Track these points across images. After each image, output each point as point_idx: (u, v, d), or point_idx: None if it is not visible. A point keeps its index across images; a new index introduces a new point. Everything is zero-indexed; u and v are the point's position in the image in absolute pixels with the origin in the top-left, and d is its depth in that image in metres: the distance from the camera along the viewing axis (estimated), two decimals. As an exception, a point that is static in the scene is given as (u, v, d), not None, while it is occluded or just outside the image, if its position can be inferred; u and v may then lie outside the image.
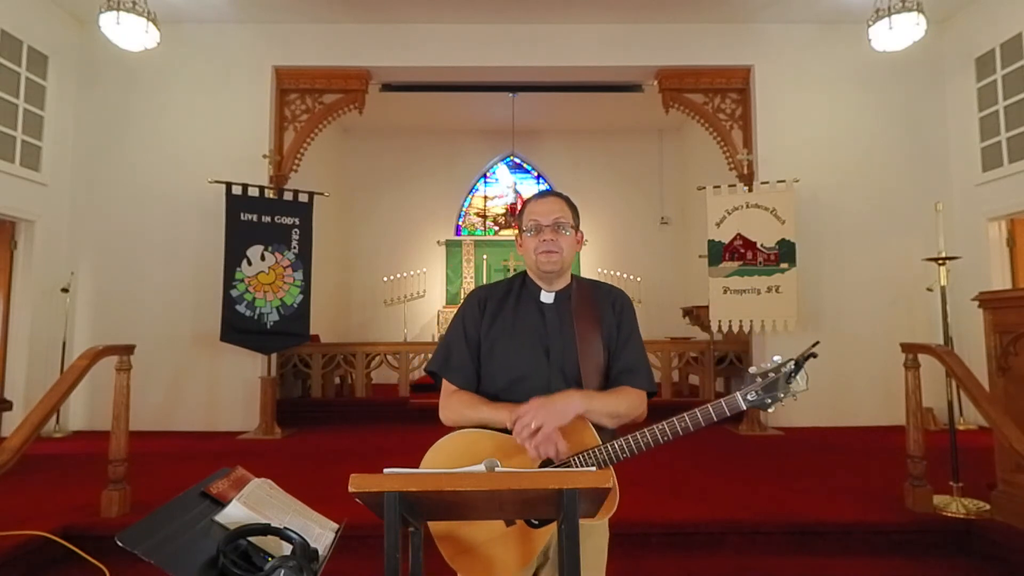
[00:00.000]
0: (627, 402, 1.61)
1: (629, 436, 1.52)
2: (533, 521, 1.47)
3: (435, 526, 1.46)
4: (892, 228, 6.09)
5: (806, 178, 5.91)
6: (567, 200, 1.70)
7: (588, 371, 1.60)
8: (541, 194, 1.73)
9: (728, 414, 1.51)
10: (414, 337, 9.33)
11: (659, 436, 1.51)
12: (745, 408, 1.52)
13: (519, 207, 1.76)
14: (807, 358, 1.50)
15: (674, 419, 1.51)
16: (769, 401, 1.51)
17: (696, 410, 1.51)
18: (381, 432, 5.52)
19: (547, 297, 1.70)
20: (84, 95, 6.18)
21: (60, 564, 2.76)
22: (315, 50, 6.27)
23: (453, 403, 1.63)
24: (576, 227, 1.70)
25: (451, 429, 1.59)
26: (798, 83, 6.25)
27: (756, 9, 6.06)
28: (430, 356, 2.11)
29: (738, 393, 1.52)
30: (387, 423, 5.90)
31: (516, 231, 1.76)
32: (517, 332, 1.66)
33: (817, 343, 1.53)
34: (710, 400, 1.54)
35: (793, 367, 1.50)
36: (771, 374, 1.51)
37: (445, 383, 1.69)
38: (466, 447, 1.53)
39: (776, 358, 1.53)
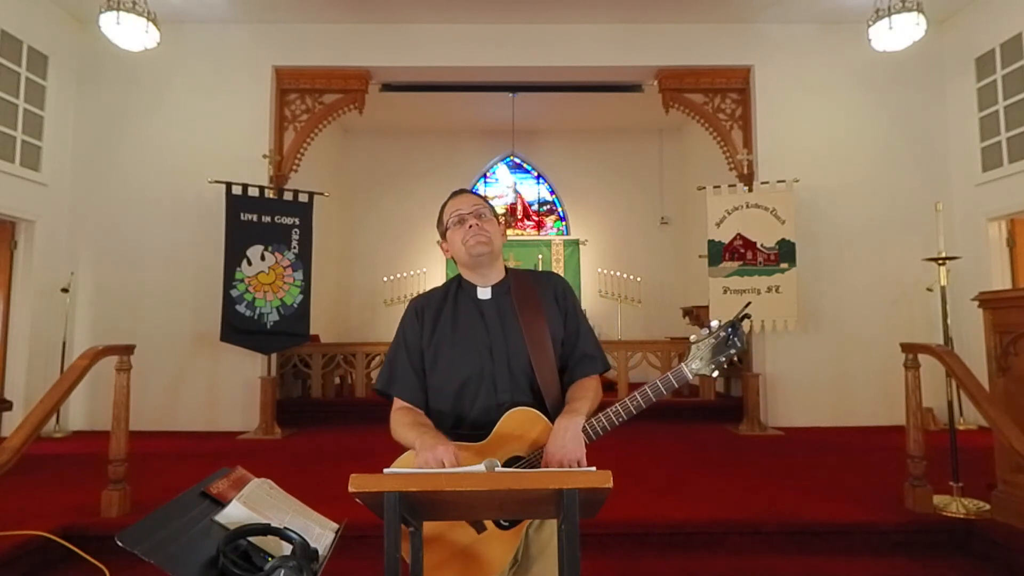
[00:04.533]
0: (596, 396, 1.65)
1: (586, 424, 1.53)
2: (503, 523, 1.48)
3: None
4: (892, 228, 6.09)
5: (806, 178, 5.91)
6: (481, 196, 1.77)
7: (540, 364, 1.61)
8: (454, 193, 1.77)
9: (676, 385, 1.57)
10: (414, 337, 9.29)
11: (614, 419, 1.55)
12: (691, 377, 1.59)
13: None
14: (741, 319, 1.60)
15: (626, 399, 1.55)
16: (713, 367, 1.57)
17: (646, 386, 1.55)
18: (381, 432, 5.47)
19: (484, 293, 1.70)
20: (84, 95, 6.18)
21: (60, 564, 2.76)
22: (315, 50, 6.27)
23: (395, 421, 1.64)
24: (497, 219, 1.74)
25: None
26: (798, 83, 6.25)
27: (756, 9, 6.06)
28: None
29: (683, 364, 1.59)
30: (387, 423, 5.87)
31: (439, 237, 1.78)
32: (458, 336, 1.65)
33: (749, 303, 1.66)
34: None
35: (730, 330, 1.57)
36: (711, 339, 1.58)
37: (395, 398, 1.70)
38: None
39: (713, 323, 1.60)
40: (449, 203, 1.74)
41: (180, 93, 6.21)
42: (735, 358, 1.60)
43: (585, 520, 1.37)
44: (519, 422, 1.53)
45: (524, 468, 1.51)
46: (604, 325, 8.87)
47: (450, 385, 1.63)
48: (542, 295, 1.70)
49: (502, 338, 1.63)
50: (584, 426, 1.51)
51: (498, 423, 1.53)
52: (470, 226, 1.65)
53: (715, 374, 1.59)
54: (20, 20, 5.51)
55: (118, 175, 6.13)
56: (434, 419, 1.64)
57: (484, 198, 1.77)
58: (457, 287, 1.74)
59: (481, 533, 1.47)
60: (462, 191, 1.77)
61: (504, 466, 1.50)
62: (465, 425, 1.61)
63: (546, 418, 1.54)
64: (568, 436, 1.47)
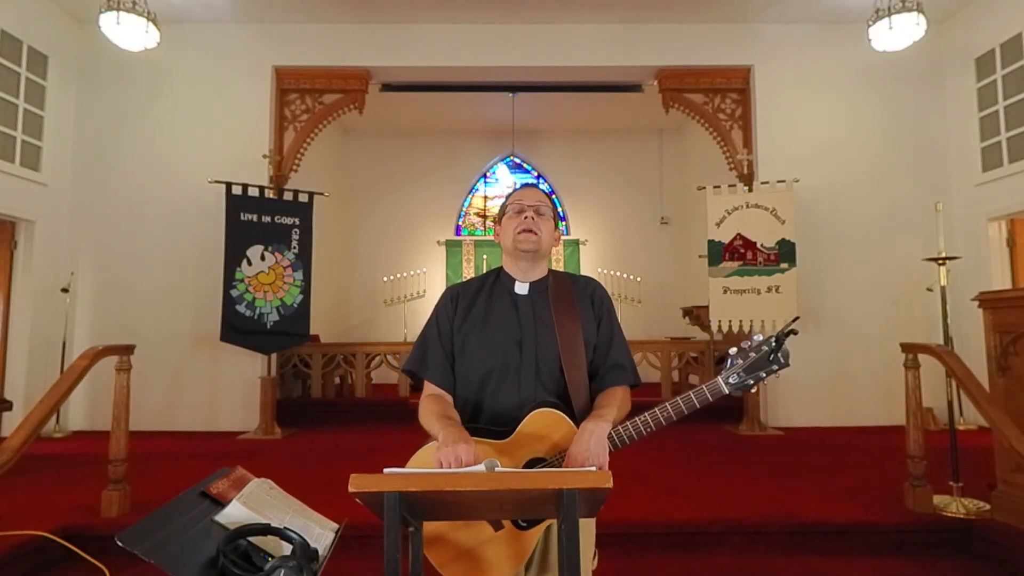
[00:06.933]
0: (624, 406, 1.61)
1: (612, 432, 1.50)
2: (521, 523, 1.46)
3: (424, 530, 1.46)
4: (892, 228, 6.09)
5: (806, 178, 5.90)
6: (550, 199, 1.76)
7: (570, 365, 1.58)
8: (524, 185, 1.78)
9: (711, 399, 1.49)
10: (414, 337, 9.25)
11: (642, 428, 1.51)
12: (727, 391, 1.50)
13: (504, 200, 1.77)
14: (787, 335, 1.49)
15: (656, 410, 1.50)
16: (751, 382, 1.49)
17: (678, 399, 1.50)
18: (381, 432, 5.51)
19: (521, 288, 1.69)
20: (84, 95, 6.18)
21: (60, 564, 2.76)
22: (315, 50, 6.27)
23: (424, 408, 1.61)
24: (555, 224, 1.72)
25: None
26: (798, 83, 6.25)
27: (756, 9, 6.06)
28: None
29: (719, 378, 1.50)
30: (387, 423, 5.89)
31: (495, 223, 1.77)
32: (489, 326, 1.64)
33: (796, 318, 1.54)
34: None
35: (774, 344, 1.49)
36: (752, 354, 1.50)
37: (426, 382, 1.68)
38: None
39: (756, 337, 1.51)
40: (516, 193, 1.74)
41: (180, 93, 6.21)
42: (776, 374, 1.49)
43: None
44: (544, 423, 1.50)
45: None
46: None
47: (475, 374, 1.62)
48: (578, 298, 1.69)
49: (533, 334, 1.62)
50: (610, 434, 1.48)
51: (522, 422, 1.50)
52: (525, 217, 1.65)
53: (753, 390, 1.50)
54: (20, 20, 5.50)
55: (118, 175, 6.13)
56: (458, 407, 1.63)
57: (551, 197, 1.76)
58: (495, 278, 1.74)
59: (498, 531, 1.46)
60: (532, 186, 1.77)
61: (525, 467, 1.49)
62: (486, 418, 1.59)
63: (571, 421, 1.51)
64: (593, 440, 1.44)
